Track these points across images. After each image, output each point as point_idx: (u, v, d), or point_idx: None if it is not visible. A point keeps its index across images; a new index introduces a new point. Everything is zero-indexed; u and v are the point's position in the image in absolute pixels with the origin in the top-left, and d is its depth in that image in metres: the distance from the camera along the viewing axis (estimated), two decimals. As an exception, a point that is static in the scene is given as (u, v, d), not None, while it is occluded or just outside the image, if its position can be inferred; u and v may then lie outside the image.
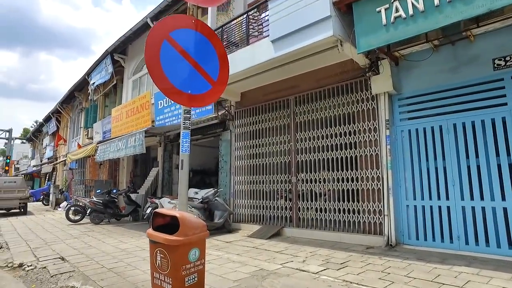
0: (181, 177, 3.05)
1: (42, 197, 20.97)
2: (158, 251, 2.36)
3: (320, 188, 7.10)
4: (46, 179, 27.83)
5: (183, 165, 2.99)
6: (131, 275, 4.40)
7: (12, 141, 46.70)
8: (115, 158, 11.81)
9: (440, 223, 5.46)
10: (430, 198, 5.61)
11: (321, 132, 7.23)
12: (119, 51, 14.98)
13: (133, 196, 10.80)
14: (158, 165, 11.66)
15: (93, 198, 10.30)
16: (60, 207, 15.75)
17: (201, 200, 7.88)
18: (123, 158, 13.93)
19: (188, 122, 3.09)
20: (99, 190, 11.14)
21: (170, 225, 2.45)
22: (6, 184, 14.51)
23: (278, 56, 6.38)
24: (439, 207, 5.49)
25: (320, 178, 7.11)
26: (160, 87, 3.00)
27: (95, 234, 8.02)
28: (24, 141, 47.49)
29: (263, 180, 8.16)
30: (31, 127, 46.06)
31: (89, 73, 17.27)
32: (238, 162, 8.73)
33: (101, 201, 9.99)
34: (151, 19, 11.99)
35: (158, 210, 2.46)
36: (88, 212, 9.97)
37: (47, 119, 27.63)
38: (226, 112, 9.01)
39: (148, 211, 8.20)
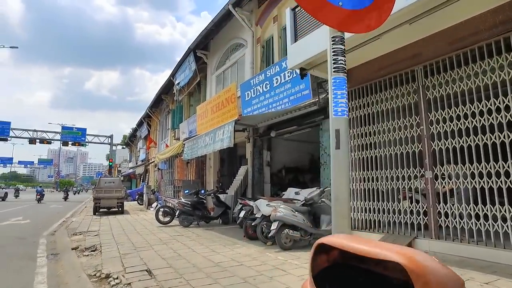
0: (337, 162, 1.61)
1: (137, 197, 21.99)
2: None
3: (473, 185, 5.07)
4: (141, 180, 29.59)
5: (339, 141, 1.54)
6: (233, 309, 3.14)
7: (115, 146, 52.07)
8: (203, 156, 11.15)
9: None
10: None
11: (469, 108, 5.19)
12: (201, 47, 14.53)
13: (221, 196, 9.91)
14: (247, 163, 10.61)
15: (181, 199, 9.67)
16: (152, 207, 15.95)
17: (304, 201, 6.44)
18: (210, 157, 13.32)
19: (341, 59, 1.67)
20: (187, 191, 10.52)
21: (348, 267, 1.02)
22: (107, 184, 15.13)
23: (407, 7, 4.60)
24: None
25: (473, 172, 5.08)
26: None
27: (184, 239, 7.17)
28: (124, 146, 52.32)
29: (381, 176, 6.38)
30: (128, 133, 50.48)
31: (173, 74, 17.33)
32: (346, 156, 7.07)
33: (190, 203, 9.27)
34: (233, 5, 11.07)
35: (328, 240, 0.99)
36: (177, 214, 9.33)
37: (140, 124, 29.40)
38: (328, 95, 7.44)
39: (242, 214, 7.08)
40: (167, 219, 9.64)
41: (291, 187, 11.10)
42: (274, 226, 5.71)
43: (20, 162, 77.34)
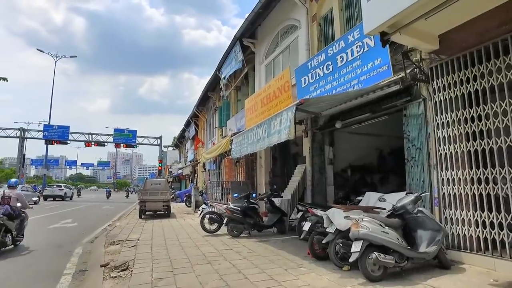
0: None
1: (185, 198, 21.39)
2: None
3: None
4: (190, 181, 29.21)
5: None
6: None
7: (165, 148, 53.17)
8: (252, 154, 9.76)
9: None
10: None
11: None
12: (248, 35, 13.19)
13: (276, 201, 8.44)
14: (305, 161, 9.00)
15: (229, 204, 8.34)
16: (199, 210, 14.97)
17: (392, 211, 4.72)
18: (261, 155, 11.90)
19: None
20: (236, 194, 9.18)
21: None
22: (153, 186, 14.41)
23: None
24: None
25: None
26: None
27: (233, 256, 5.78)
28: (174, 148, 53.20)
29: (502, 177, 4.47)
30: (177, 135, 51.09)
31: (219, 68, 16.25)
32: (446, 148, 5.21)
33: (239, 209, 7.90)
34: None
35: None
36: (224, 221, 8.03)
37: (187, 124, 29.03)
38: (415, 69, 5.63)
39: (306, 227, 5.50)
40: (213, 227, 8.38)
41: (358, 188, 9.34)
42: (356, 247, 4.07)
43: (82, 164, 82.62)
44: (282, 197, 8.75)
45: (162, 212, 13.91)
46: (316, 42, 9.45)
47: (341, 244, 4.50)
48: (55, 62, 39.40)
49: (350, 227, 4.34)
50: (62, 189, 30.26)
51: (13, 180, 8.14)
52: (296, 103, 5.25)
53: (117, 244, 7.45)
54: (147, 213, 13.85)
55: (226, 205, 8.24)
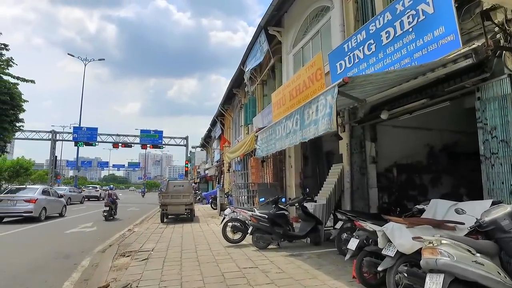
0: None
1: (211, 200, 20.62)
2: None
3: None
4: (217, 182, 28.46)
5: None
6: None
7: (194, 148, 53.08)
8: (281, 153, 8.59)
9: None
10: None
11: None
12: (273, 23, 12.04)
13: (309, 206, 7.23)
14: (341, 159, 7.72)
15: (255, 210, 7.21)
16: (225, 214, 14.02)
17: (476, 227, 3.40)
18: (290, 154, 10.68)
19: None
20: (263, 199, 8.08)
21: None
22: (175, 188, 13.61)
23: None
24: None
25: None
26: None
27: (258, 279, 4.65)
28: (201, 148, 52.99)
29: None
30: (204, 134, 50.76)
31: (244, 62, 15.20)
32: (548, 140, 3.81)
33: (266, 216, 6.77)
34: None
35: None
36: (249, 230, 6.93)
37: (213, 123, 28.30)
38: (498, 35, 4.24)
39: (352, 245, 4.25)
40: (237, 236, 7.31)
41: (405, 191, 7.99)
42: (435, 283, 2.81)
43: (114, 166, 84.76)
44: (315, 201, 7.51)
45: (185, 215, 13.07)
46: (352, 22, 8.15)
47: (406, 275, 3.23)
48: (85, 65, 40.16)
49: (420, 251, 3.08)
50: (98, 190, 33.16)
51: (111, 186, 21.65)
52: (338, 82, 4.00)
53: (127, 256, 6.56)
54: (169, 216, 13.06)
55: (251, 212, 7.11)
